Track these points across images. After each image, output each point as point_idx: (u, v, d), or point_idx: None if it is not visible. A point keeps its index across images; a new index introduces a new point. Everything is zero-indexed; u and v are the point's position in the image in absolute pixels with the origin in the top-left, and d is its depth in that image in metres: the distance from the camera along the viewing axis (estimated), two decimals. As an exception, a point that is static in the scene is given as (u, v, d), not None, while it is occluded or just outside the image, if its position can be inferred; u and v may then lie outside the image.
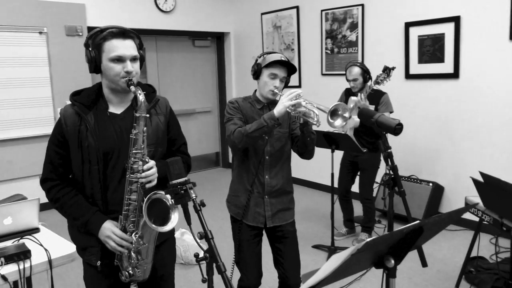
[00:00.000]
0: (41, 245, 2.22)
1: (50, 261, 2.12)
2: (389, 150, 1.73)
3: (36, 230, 2.43)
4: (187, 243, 3.65)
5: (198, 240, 1.31)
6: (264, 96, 2.31)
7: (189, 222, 1.34)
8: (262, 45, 6.29)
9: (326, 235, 4.23)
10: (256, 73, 2.31)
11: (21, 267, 2.02)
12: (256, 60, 2.33)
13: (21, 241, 2.27)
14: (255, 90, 2.40)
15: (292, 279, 2.39)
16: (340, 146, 3.70)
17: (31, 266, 2.05)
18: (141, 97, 1.61)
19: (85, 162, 1.68)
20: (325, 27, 5.41)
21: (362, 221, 4.11)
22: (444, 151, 4.45)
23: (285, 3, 5.86)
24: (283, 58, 2.25)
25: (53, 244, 2.24)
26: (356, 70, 3.74)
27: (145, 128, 1.64)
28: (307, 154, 2.35)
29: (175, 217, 1.58)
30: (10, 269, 1.99)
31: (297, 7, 5.70)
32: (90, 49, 1.66)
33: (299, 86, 5.83)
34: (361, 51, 5.04)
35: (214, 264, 1.24)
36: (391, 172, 1.74)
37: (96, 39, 1.65)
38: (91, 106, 1.71)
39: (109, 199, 1.72)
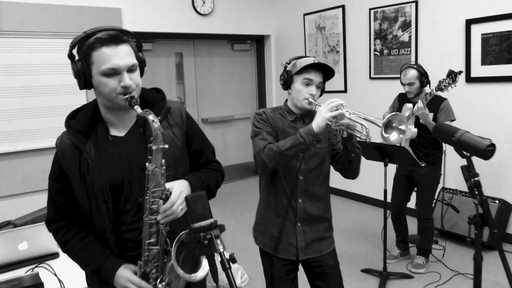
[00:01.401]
0: (55, 275, 1.98)
1: (64, 296, 1.87)
2: (476, 179, 1.32)
3: (55, 255, 2.20)
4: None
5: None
6: (298, 107, 1.97)
7: (216, 279, 1.01)
8: (305, 48, 5.93)
9: (377, 257, 3.81)
10: (287, 83, 1.97)
11: (31, 303, 1.78)
12: (285, 67, 1.99)
13: (36, 270, 2.04)
14: (286, 100, 2.06)
15: None
16: (394, 159, 3.29)
17: (42, 302, 1.81)
18: (155, 124, 1.28)
19: (92, 199, 1.40)
20: (374, 26, 4.98)
21: (419, 243, 3.65)
22: (512, 164, 3.92)
23: (330, 3, 5.47)
24: (316, 61, 1.91)
25: (71, 273, 1.99)
26: (412, 73, 3.32)
27: (163, 161, 1.32)
28: (351, 172, 1.98)
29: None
30: (19, 306, 1.76)
31: (342, 6, 5.30)
32: (75, 60, 1.34)
33: (345, 91, 5.42)
34: (415, 52, 4.58)
35: None
36: (480, 208, 1.33)
37: (82, 48, 1.33)
38: (88, 132, 1.41)
39: (124, 238, 1.43)
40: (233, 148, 6.60)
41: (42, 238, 2.13)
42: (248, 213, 5.08)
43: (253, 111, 6.77)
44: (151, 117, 1.28)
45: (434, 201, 3.85)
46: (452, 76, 2.97)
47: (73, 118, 1.45)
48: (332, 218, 2.12)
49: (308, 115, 1.99)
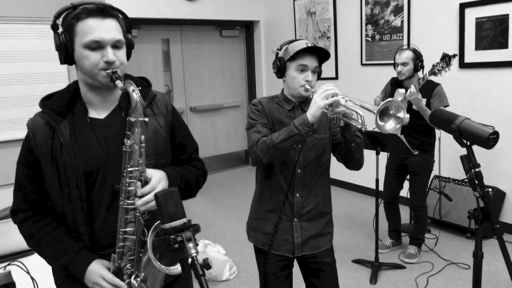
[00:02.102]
0: (28, 273, 1.86)
1: (36, 296, 1.75)
2: (477, 169, 1.20)
3: (28, 252, 2.07)
4: (210, 257, 3.23)
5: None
6: (295, 95, 1.85)
7: (190, 285, 0.89)
8: (295, 34, 5.79)
9: (368, 247, 3.73)
10: (280, 70, 1.85)
11: (1, 304, 1.66)
12: (277, 54, 1.88)
13: (8, 268, 1.92)
14: (283, 88, 1.94)
15: None
16: (386, 148, 3.19)
17: (12, 303, 1.69)
18: (135, 94, 1.20)
19: (63, 186, 1.29)
20: (365, 11, 4.85)
21: (411, 232, 3.58)
22: (506, 152, 3.84)
23: (320, -13, 5.33)
24: (309, 44, 1.78)
25: (45, 271, 1.86)
26: (408, 54, 3.23)
27: (143, 137, 1.24)
28: (354, 163, 1.89)
29: None
30: (-13, 307, 1.65)
31: (333, -9, 5.16)
32: (59, 31, 1.26)
33: (336, 78, 5.30)
34: (407, 37, 4.46)
35: None
36: (481, 201, 1.22)
37: (66, 19, 1.25)
38: (64, 112, 1.32)
39: (97, 232, 1.33)
40: (223, 137, 6.47)
41: (15, 234, 1.99)
42: (239, 203, 4.98)
43: (243, 99, 6.63)
44: (132, 87, 1.20)
45: (427, 189, 3.78)
46: (446, 59, 2.87)
47: (49, 99, 1.36)
48: (332, 212, 2.02)
49: (307, 102, 1.87)
